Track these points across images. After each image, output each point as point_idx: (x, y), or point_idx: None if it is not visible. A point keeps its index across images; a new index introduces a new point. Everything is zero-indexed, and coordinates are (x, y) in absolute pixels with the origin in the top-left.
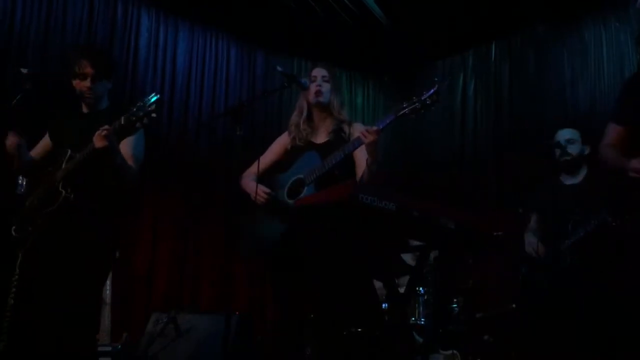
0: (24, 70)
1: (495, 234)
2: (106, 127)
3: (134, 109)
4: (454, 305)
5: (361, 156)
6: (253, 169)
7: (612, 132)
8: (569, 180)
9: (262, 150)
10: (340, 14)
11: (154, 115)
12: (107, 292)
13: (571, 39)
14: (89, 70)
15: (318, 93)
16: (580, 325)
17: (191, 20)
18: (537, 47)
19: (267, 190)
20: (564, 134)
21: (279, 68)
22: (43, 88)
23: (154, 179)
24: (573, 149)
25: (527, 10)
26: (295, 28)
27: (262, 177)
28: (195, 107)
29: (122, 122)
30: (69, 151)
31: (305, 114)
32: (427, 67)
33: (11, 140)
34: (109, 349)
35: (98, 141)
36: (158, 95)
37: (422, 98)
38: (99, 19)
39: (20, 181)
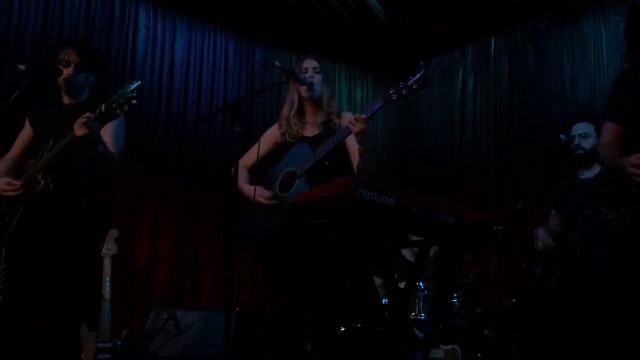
0: (21, 67)
1: (495, 228)
2: (87, 114)
3: (115, 96)
4: (454, 300)
5: (354, 145)
6: (244, 161)
7: (609, 130)
8: (584, 175)
9: None
10: (340, 9)
11: (134, 102)
12: (107, 288)
13: (571, 33)
14: (74, 57)
15: (310, 86)
16: (589, 318)
17: (189, 15)
18: (537, 41)
19: (267, 194)
20: (578, 129)
21: (277, 63)
22: (40, 85)
23: (153, 175)
24: (586, 144)
25: (527, 5)
26: (294, 23)
27: (254, 170)
28: (193, 103)
29: (103, 110)
30: (51, 142)
31: (295, 107)
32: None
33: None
34: (109, 345)
35: (78, 129)
36: (139, 82)
37: (409, 83)
38: (96, 15)
39: None
